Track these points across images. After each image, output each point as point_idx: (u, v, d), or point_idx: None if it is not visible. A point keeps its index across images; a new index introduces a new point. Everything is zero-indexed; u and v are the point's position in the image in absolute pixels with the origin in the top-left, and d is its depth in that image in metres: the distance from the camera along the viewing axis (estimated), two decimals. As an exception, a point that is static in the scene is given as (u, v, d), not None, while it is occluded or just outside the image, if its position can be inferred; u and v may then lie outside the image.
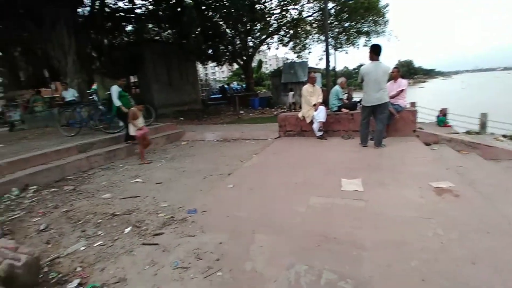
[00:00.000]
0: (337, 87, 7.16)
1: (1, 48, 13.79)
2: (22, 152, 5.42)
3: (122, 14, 12.48)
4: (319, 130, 6.60)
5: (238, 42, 20.16)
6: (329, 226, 2.51)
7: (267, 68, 58.99)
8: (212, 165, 5.02)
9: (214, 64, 21.92)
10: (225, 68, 28.93)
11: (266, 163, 4.94)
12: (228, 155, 5.81)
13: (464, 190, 3.11)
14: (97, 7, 11.21)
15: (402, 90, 6.08)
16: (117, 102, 6.27)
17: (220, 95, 25.75)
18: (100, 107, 7.04)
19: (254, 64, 28.41)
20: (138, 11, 12.61)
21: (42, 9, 9.14)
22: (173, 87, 16.09)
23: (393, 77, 6.22)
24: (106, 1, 11.78)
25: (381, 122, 5.24)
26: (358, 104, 6.79)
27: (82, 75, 10.02)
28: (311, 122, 6.73)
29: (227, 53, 20.12)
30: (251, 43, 21.82)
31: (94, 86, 9.34)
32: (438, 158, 4.58)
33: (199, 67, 26.37)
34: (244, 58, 21.76)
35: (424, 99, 23.19)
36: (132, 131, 5.66)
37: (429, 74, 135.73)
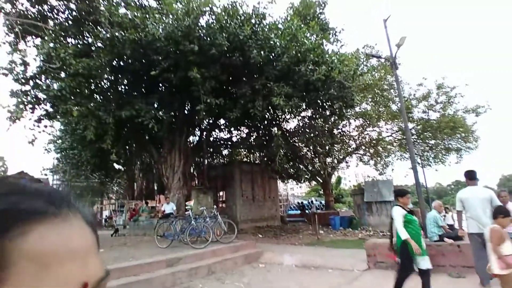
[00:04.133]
0: (433, 212, 6.38)
1: (125, 165, 17.81)
2: (120, 260, 6.06)
3: (222, 142, 15.29)
4: (419, 265, 5.53)
5: (317, 161, 21.18)
6: None
7: (346, 184, 57.63)
8: (292, 299, 4.54)
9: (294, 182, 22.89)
10: (303, 184, 29.75)
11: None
12: (308, 287, 5.23)
13: None
14: (204, 137, 14.14)
15: None
16: (403, 233, 3.92)
17: (298, 211, 25.45)
18: (193, 222, 7.79)
19: (332, 179, 28.41)
20: (234, 138, 15.28)
21: (164, 138, 12.00)
22: (256, 203, 16.93)
23: (502, 202, 5.28)
24: (211, 132, 14.86)
25: None
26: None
27: (183, 190, 11.74)
28: (408, 254, 5.78)
29: (307, 172, 21.04)
30: (330, 161, 22.58)
31: (191, 203, 10.68)
32: None
33: (279, 182, 27.82)
34: (323, 176, 22.18)
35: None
36: (497, 267, 3.24)
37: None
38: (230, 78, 10.77)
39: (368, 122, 19.77)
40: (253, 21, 9.70)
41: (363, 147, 21.94)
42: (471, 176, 4.94)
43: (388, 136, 21.27)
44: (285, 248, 9.35)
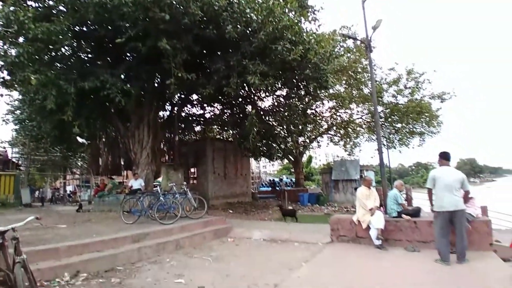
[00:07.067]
0: (395, 191, 6.77)
1: (90, 139, 16.88)
2: (83, 236, 5.82)
3: (194, 118, 14.86)
4: (378, 238, 5.98)
5: (290, 140, 21.56)
6: None
7: (316, 163, 59.71)
8: (257, 271, 4.72)
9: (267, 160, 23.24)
10: (275, 162, 30.40)
11: (317, 277, 4.46)
12: (275, 260, 5.46)
13: None
14: (175, 112, 13.64)
15: (471, 198, 5.50)
16: None
17: (270, 188, 26.12)
18: (161, 198, 7.66)
19: (304, 158, 29.30)
20: (207, 115, 14.92)
21: (131, 111, 11.40)
22: (227, 180, 17.04)
23: None
24: (183, 107, 14.34)
25: (462, 233, 4.74)
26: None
27: (151, 166, 11.42)
28: (368, 228, 6.20)
29: (280, 151, 21.39)
30: (302, 141, 23.07)
31: (160, 179, 10.47)
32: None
33: (252, 160, 28.14)
34: (295, 155, 22.71)
35: (496, 201, 19.73)
36: None
37: (496, 172, 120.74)
38: (204, 52, 10.28)
39: (340, 104, 20.24)
40: (229, -9, 9.16)
41: (334, 128, 22.61)
42: (446, 157, 5.14)
43: (358, 118, 22.04)
44: (254, 224, 9.62)
